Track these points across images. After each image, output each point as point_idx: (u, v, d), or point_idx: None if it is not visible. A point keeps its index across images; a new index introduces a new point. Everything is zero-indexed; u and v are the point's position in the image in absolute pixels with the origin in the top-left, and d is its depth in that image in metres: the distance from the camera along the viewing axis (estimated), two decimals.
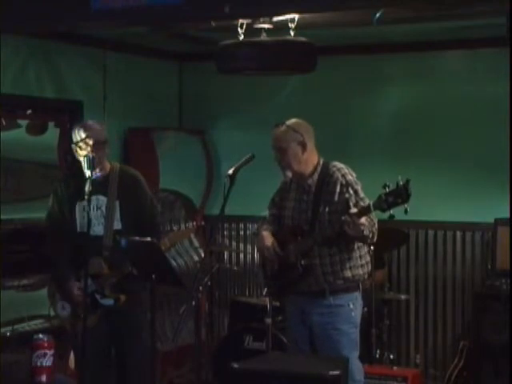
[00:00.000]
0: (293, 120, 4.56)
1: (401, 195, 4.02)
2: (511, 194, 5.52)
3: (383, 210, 4.10)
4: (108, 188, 4.81)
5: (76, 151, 4.76)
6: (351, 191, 4.38)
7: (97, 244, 4.71)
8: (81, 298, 4.64)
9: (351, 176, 4.47)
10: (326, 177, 4.48)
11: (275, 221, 4.71)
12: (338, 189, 4.41)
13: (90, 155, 4.60)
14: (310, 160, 4.53)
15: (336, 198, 4.41)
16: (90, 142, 4.70)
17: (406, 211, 4.02)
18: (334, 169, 4.49)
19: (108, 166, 4.88)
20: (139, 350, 4.83)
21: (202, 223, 4.86)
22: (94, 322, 4.70)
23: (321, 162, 4.55)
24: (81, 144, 4.71)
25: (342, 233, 4.27)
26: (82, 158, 4.67)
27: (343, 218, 4.20)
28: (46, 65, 6.20)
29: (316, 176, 4.52)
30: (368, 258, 4.59)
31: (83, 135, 4.72)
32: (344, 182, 4.42)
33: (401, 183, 4.02)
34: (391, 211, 4.06)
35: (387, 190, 4.05)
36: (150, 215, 4.94)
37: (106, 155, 4.84)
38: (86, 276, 4.48)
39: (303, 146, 4.48)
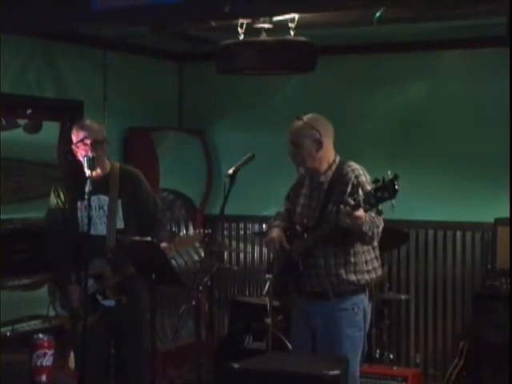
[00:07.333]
0: (312, 115, 4.47)
1: (388, 190, 3.93)
2: (511, 193, 5.52)
3: (371, 205, 4.03)
4: (109, 187, 4.80)
5: (76, 152, 4.77)
6: (361, 192, 4.30)
7: (100, 243, 4.70)
8: (80, 304, 4.64)
9: (365, 177, 4.37)
10: (340, 176, 4.40)
11: (288, 216, 4.63)
12: (349, 189, 4.32)
13: (90, 155, 4.64)
14: (325, 157, 4.44)
15: (345, 198, 4.31)
16: (88, 142, 4.70)
17: (392, 207, 3.93)
18: (349, 169, 4.41)
19: (108, 165, 4.87)
20: (139, 350, 4.83)
21: (209, 231, 4.81)
22: (93, 321, 4.69)
23: (337, 161, 4.47)
24: (79, 144, 4.71)
25: (339, 227, 4.19)
26: (82, 158, 4.68)
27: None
28: (46, 65, 6.19)
29: (330, 174, 4.44)
30: (376, 264, 4.50)
31: (81, 135, 4.72)
32: (356, 183, 4.32)
33: (388, 178, 3.93)
34: (379, 207, 4.01)
35: (376, 184, 4.00)
36: (153, 212, 4.92)
37: (105, 154, 4.83)
38: (86, 276, 4.48)
39: (319, 143, 4.39)
